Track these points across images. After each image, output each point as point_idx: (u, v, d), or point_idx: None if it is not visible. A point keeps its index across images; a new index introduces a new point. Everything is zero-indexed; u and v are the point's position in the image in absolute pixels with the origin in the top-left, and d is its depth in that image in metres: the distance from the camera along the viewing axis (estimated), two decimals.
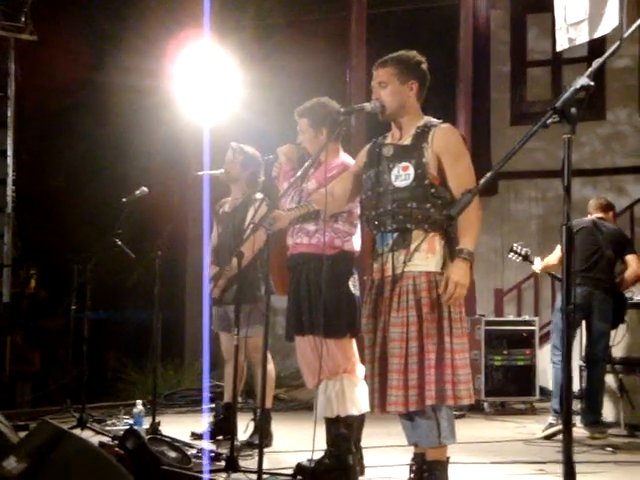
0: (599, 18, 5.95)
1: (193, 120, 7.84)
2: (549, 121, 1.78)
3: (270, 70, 8.79)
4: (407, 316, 3.15)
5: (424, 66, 3.36)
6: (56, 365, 10.92)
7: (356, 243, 3.93)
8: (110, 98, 9.40)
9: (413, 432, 3.24)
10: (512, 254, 5.94)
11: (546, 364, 8.08)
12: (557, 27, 6.19)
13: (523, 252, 5.91)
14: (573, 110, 1.74)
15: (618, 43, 1.89)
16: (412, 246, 3.19)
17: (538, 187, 9.73)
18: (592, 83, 1.75)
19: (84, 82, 9.45)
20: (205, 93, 7.53)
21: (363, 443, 4.04)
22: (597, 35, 5.97)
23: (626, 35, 1.85)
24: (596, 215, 5.84)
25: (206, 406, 6.45)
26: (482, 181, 1.82)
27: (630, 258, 5.72)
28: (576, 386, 5.78)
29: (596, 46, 7.31)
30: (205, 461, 3.93)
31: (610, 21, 5.89)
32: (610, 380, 5.78)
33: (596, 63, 1.85)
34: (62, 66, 8.78)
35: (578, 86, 1.75)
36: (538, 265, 5.85)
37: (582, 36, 6.08)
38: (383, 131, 3.52)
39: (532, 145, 9.50)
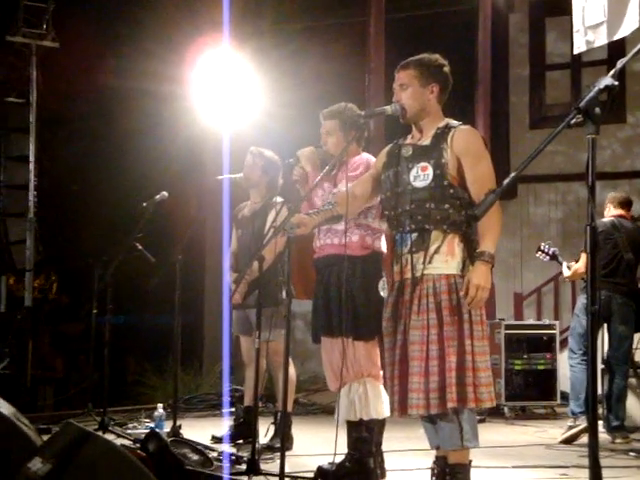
0: (618, 20, 5.93)
1: (211, 125, 7.89)
2: (573, 121, 1.78)
3: (289, 75, 8.81)
4: (427, 319, 3.14)
5: (446, 69, 3.36)
6: (77, 370, 11.00)
7: (384, 242, 3.93)
8: (129, 103, 9.47)
9: (435, 435, 3.23)
10: (540, 253, 5.92)
11: (567, 369, 8.04)
12: (575, 29, 6.18)
13: (551, 252, 5.88)
14: (597, 110, 1.74)
15: None
16: (432, 248, 3.18)
17: (558, 191, 9.69)
18: (616, 83, 1.75)
19: (104, 88, 9.53)
20: (224, 98, 7.57)
21: (384, 447, 4.03)
22: (616, 37, 5.95)
23: None
24: (615, 212, 5.75)
25: (226, 410, 6.47)
26: (506, 181, 1.82)
27: None
28: (598, 390, 5.74)
29: (616, 48, 7.27)
30: (226, 464, 3.94)
31: (630, 23, 5.86)
32: (633, 384, 5.73)
33: (620, 63, 1.85)
34: (82, 72, 8.86)
35: (602, 86, 1.75)
36: (567, 272, 5.81)
37: (601, 38, 6.06)
38: (402, 134, 3.53)
39: (552, 148, 9.46)
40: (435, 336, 3.12)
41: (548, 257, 5.89)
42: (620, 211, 5.74)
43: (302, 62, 9.18)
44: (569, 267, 5.75)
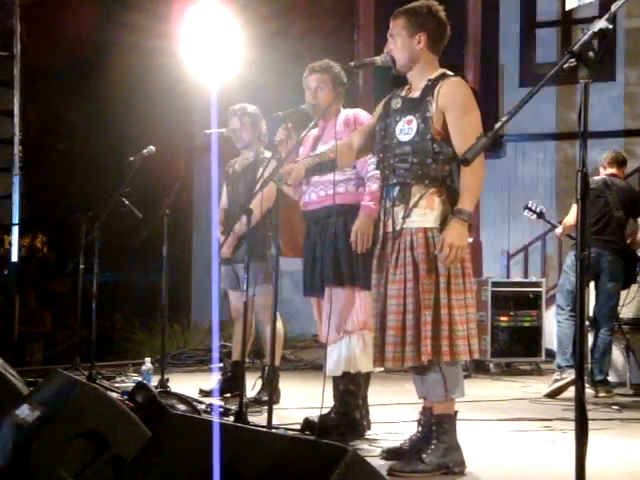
0: None
1: (199, 79, 7.79)
2: (566, 65, 1.76)
3: (276, 31, 8.70)
4: (405, 273, 3.14)
5: (440, 15, 3.26)
6: (65, 326, 11.00)
7: None
8: (116, 58, 9.34)
9: (422, 386, 3.26)
10: (527, 212, 5.94)
11: (553, 326, 8.09)
12: None
13: (538, 210, 5.90)
14: (591, 54, 1.71)
15: None
16: (412, 202, 3.17)
17: (546, 149, 9.67)
18: (610, 26, 1.73)
19: (89, 41, 9.39)
20: (211, 53, 7.47)
21: (370, 400, 4.07)
22: None
23: None
24: (610, 171, 5.77)
25: (214, 365, 6.50)
26: (497, 125, 1.80)
27: None
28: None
29: (607, 6, 7.22)
30: (214, 415, 3.97)
31: None
32: (617, 340, 5.79)
33: (614, 6, 1.82)
34: (67, 25, 8.71)
35: (596, 29, 1.72)
36: (560, 230, 5.83)
37: None
38: (391, 90, 3.49)
39: (540, 107, 9.42)
40: (411, 290, 3.12)
41: (535, 215, 5.91)
42: (613, 170, 5.76)
43: (290, 18, 9.05)
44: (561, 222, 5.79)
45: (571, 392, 4.64)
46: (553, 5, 9.55)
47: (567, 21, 9.41)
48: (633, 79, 9.53)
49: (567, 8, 6.40)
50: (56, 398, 2.35)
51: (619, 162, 5.79)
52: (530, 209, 5.91)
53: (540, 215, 5.88)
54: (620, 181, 5.75)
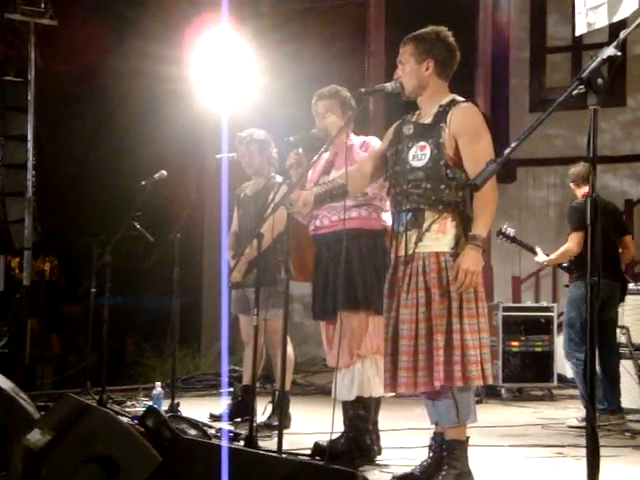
0: (618, 1, 5.90)
1: (210, 106, 7.86)
2: (575, 92, 1.77)
3: (288, 56, 8.77)
4: (417, 297, 3.15)
5: (448, 41, 3.29)
6: (75, 350, 11.02)
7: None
8: (128, 84, 9.43)
9: (434, 411, 3.25)
10: (500, 237, 5.61)
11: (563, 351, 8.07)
12: (577, 11, 6.14)
13: (511, 234, 5.58)
14: (600, 81, 1.73)
15: None
16: (424, 226, 3.18)
17: (557, 174, 9.66)
18: (619, 53, 1.74)
19: (102, 67, 9.49)
20: (223, 79, 7.54)
21: (381, 426, 4.05)
22: (616, 19, 5.91)
23: None
24: (585, 189, 5.41)
25: (224, 390, 6.49)
26: (507, 151, 1.81)
27: (628, 240, 5.53)
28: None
29: (616, 31, 7.25)
30: (224, 440, 3.96)
31: (630, 4, 5.83)
32: (628, 366, 5.75)
33: (623, 34, 1.84)
34: (81, 51, 8.81)
35: (605, 56, 1.74)
36: (542, 257, 5.62)
37: (601, 20, 6.02)
38: (402, 114, 3.51)
39: (551, 132, 9.45)
40: (423, 314, 3.12)
41: (509, 240, 5.69)
42: (586, 187, 5.36)
43: (301, 43, 9.13)
44: (547, 254, 5.59)
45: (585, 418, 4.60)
46: (563, 31, 9.59)
47: (577, 47, 9.44)
48: None
49: (577, 34, 6.41)
50: (67, 423, 2.35)
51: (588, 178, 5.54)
52: (503, 234, 5.65)
53: (514, 239, 5.67)
54: (606, 201, 5.43)
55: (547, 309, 7.12)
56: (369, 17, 8.61)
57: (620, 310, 5.83)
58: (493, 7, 9.13)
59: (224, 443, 2.53)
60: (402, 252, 3.23)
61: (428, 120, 3.28)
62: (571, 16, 6.30)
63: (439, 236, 3.16)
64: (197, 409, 5.38)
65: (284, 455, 3.46)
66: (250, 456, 1.89)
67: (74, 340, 11.28)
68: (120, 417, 4.79)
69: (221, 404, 5.53)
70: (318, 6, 9.86)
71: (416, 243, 3.18)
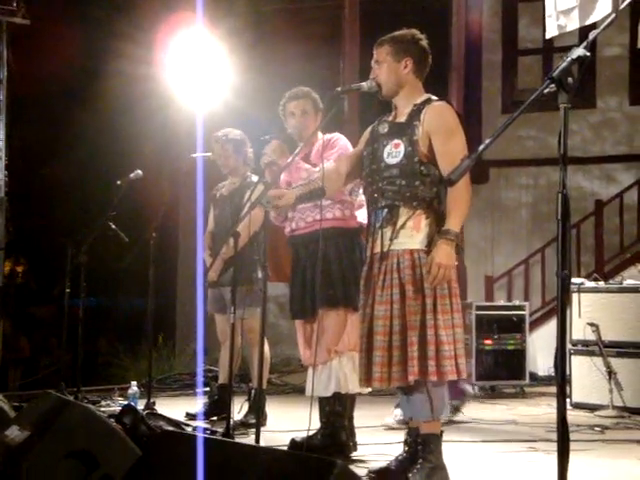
0: (591, 5, 5.98)
1: (185, 106, 7.85)
2: (546, 90, 1.82)
3: (262, 56, 8.80)
4: (391, 294, 3.20)
5: (423, 43, 3.38)
6: (46, 353, 10.94)
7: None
8: (102, 84, 9.40)
9: (408, 406, 3.30)
10: None
11: (536, 350, 8.18)
12: (547, 14, 6.23)
13: None
14: (570, 80, 1.78)
15: (614, 15, 1.93)
16: (398, 223, 3.23)
17: (529, 175, 9.80)
18: (588, 54, 1.80)
19: (76, 68, 9.44)
20: (197, 79, 7.54)
21: (356, 423, 4.09)
22: (588, 22, 6.01)
23: (622, 7, 1.89)
24: None
25: (200, 390, 6.49)
26: (481, 147, 1.86)
27: None
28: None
29: (587, 34, 7.35)
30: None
31: (602, 8, 5.92)
32: (598, 363, 5.85)
33: (592, 35, 1.89)
34: (54, 51, 8.76)
35: (575, 56, 1.79)
36: None
37: (572, 23, 6.11)
38: (376, 114, 3.57)
39: (523, 133, 9.57)
40: (398, 311, 3.17)
41: None
42: None
43: (275, 44, 9.16)
44: None
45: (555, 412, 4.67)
46: (535, 34, 9.72)
47: (548, 49, 9.57)
48: (613, 105, 9.71)
49: (547, 37, 6.51)
50: (46, 418, 2.36)
51: None
52: None
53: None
54: None
55: (519, 307, 7.21)
56: (344, 18, 8.66)
57: (590, 308, 5.96)
58: (465, 10, 9.23)
59: (203, 434, 2.55)
60: (377, 249, 3.28)
61: (403, 119, 3.33)
62: (542, 19, 6.39)
63: (413, 233, 3.21)
64: (173, 408, 5.38)
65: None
66: (230, 446, 1.92)
67: (45, 342, 11.20)
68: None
69: (197, 403, 5.55)
70: (293, 7, 9.89)
71: (391, 240, 3.23)
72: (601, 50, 9.40)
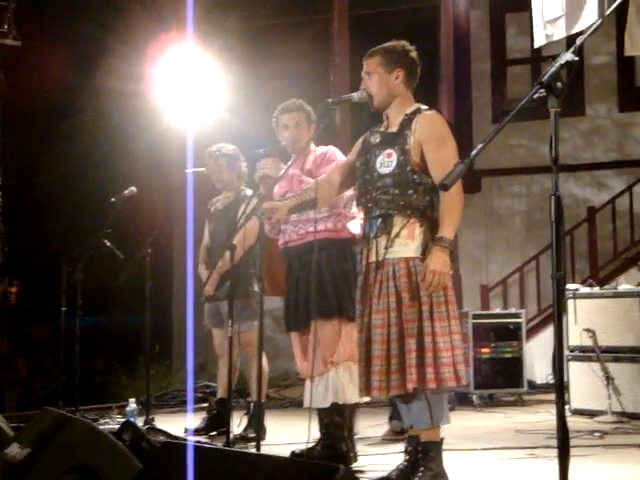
0: (577, 14, 6.05)
1: (176, 122, 7.88)
2: (536, 95, 1.85)
3: (254, 72, 8.84)
4: (388, 302, 3.21)
5: (412, 54, 3.42)
6: (44, 373, 10.88)
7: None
8: (94, 102, 9.43)
9: (408, 414, 3.30)
10: None
11: (534, 358, 8.19)
12: (534, 24, 6.29)
13: None
14: (559, 84, 1.80)
15: (600, 20, 1.96)
16: (393, 232, 3.26)
17: (521, 183, 9.84)
18: (577, 58, 1.82)
19: (68, 86, 9.46)
20: (188, 95, 7.57)
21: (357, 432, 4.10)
22: (575, 31, 6.07)
23: (607, 13, 1.91)
24: None
25: (191, 406, 6.46)
26: (474, 152, 1.88)
27: None
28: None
29: (574, 42, 7.41)
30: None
31: (588, 16, 5.98)
32: (596, 369, 5.86)
33: (579, 40, 1.92)
34: (46, 70, 8.79)
35: (563, 61, 1.82)
36: None
37: (559, 32, 6.17)
38: (368, 126, 3.60)
39: (514, 142, 9.63)
40: (395, 319, 3.19)
41: None
42: None
43: (266, 59, 9.21)
44: None
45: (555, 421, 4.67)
46: (522, 43, 9.79)
47: (537, 58, 9.64)
48: (602, 113, 9.77)
49: (535, 46, 6.58)
50: (46, 435, 2.36)
51: None
52: None
53: None
54: None
55: (516, 315, 7.21)
56: (333, 33, 8.71)
57: (586, 314, 5.98)
58: (454, 21, 9.29)
59: (206, 444, 2.55)
60: (373, 258, 3.30)
61: (394, 129, 3.36)
62: (530, 29, 6.45)
63: (408, 242, 3.23)
64: (172, 425, 5.37)
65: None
66: (232, 455, 1.92)
67: (42, 363, 11.14)
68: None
69: (195, 419, 5.53)
70: (283, 23, 9.96)
71: (386, 249, 3.25)
72: (589, 58, 9.47)
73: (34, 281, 11.10)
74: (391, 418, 4.90)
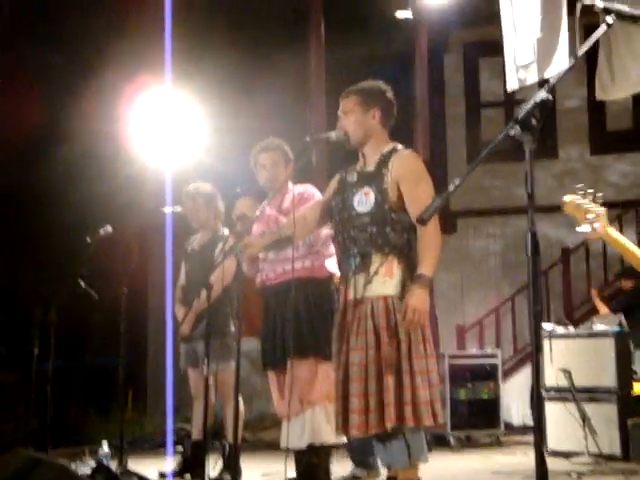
0: (549, 59, 6.18)
1: (153, 162, 7.88)
2: (512, 132, 1.88)
3: (231, 113, 8.89)
4: (366, 340, 3.21)
5: (389, 94, 3.48)
6: (14, 419, 10.65)
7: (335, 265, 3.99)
8: (70, 141, 9.42)
9: (385, 454, 3.27)
10: None
11: (511, 399, 8.19)
12: (507, 68, 6.42)
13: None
14: (534, 122, 1.84)
15: (573, 60, 2.00)
16: (371, 269, 3.26)
17: (496, 224, 9.94)
18: (551, 97, 1.86)
19: (43, 125, 9.45)
20: (165, 136, 7.59)
21: (333, 474, 4.04)
22: (547, 75, 6.20)
23: (580, 53, 1.96)
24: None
25: (171, 448, 6.36)
26: (451, 187, 1.90)
27: None
28: None
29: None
30: None
31: (560, 62, 6.11)
32: (572, 409, 5.86)
33: (553, 79, 1.96)
34: (22, 109, 8.78)
35: (538, 100, 1.85)
36: None
37: (532, 76, 6.29)
38: (345, 164, 3.63)
39: (488, 184, 9.75)
40: (373, 357, 3.18)
41: None
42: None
43: (244, 100, 9.28)
44: None
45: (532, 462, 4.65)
46: (496, 87, 9.97)
47: (510, 102, 9.81)
48: (574, 155, 9.94)
49: (508, 91, 6.70)
50: (19, 477, 2.30)
51: None
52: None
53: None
54: None
55: (492, 356, 7.23)
56: (310, 73, 8.82)
57: (561, 354, 6.00)
58: (429, 65, 9.44)
59: None
60: (351, 296, 3.30)
61: (371, 168, 3.39)
62: (503, 73, 6.57)
63: (386, 279, 3.24)
64: (145, 468, 5.27)
65: None
66: None
67: (10, 409, 10.91)
68: None
69: (169, 462, 5.44)
70: (260, 64, 10.05)
71: (364, 286, 3.25)
72: (561, 103, 9.66)
73: (4, 323, 10.92)
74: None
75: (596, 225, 2.25)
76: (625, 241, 2.52)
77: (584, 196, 2.36)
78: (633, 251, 2.49)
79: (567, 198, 2.41)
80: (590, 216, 2.30)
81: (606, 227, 2.32)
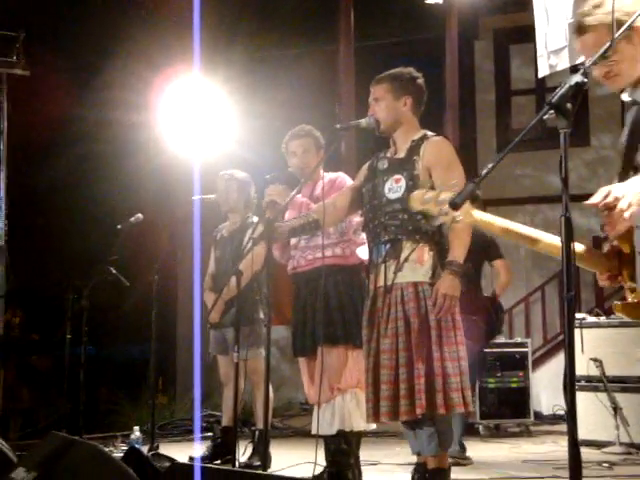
0: None
1: (182, 153, 7.92)
2: (546, 116, 1.86)
3: (259, 103, 8.90)
4: (396, 327, 3.20)
5: (420, 81, 3.46)
6: (47, 403, 10.82)
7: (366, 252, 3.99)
8: (100, 132, 9.49)
9: (415, 441, 3.27)
10: None
11: (540, 388, 8.13)
12: (538, 54, 6.35)
13: None
14: (569, 105, 1.82)
15: (609, 44, 1.97)
16: (402, 256, 3.26)
17: (526, 213, 9.86)
18: (586, 80, 1.84)
19: (74, 116, 9.53)
20: (194, 126, 7.62)
21: (362, 461, 4.05)
22: (579, 61, 6.12)
23: (616, 36, 1.93)
24: None
25: (198, 434, 6.41)
26: (484, 172, 1.89)
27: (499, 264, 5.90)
28: None
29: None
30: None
31: None
32: (603, 399, 5.81)
33: (588, 62, 1.94)
34: (52, 101, 8.86)
35: (573, 83, 1.83)
36: None
37: (563, 62, 6.22)
38: (374, 152, 3.62)
39: (520, 172, 9.66)
40: (403, 344, 3.18)
41: None
42: None
43: (272, 90, 9.28)
44: None
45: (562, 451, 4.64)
46: (527, 74, 9.87)
47: (541, 89, 9.70)
48: (606, 143, 9.81)
49: (539, 76, 6.63)
50: (52, 458, 2.34)
51: None
52: None
53: None
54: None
55: (521, 345, 7.19)
56: (339, 64, 8.79)
57: (592, 343, 5.93)
58: (459, 53, 9.37)
59: (214, 465, 2.53)
60: (381, 282, 3.29)
61: (402, 154, 3.38)
62: (534, 60, 6.50)
63: (417, 266, 3.23)
64: (176, 453, 5.32)
65: None
66: (239, 476, 1.90)
67: (45, 393, 11.08)
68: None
69: (200, 448, 5.48)
70: (289, 53, 10.05)
71: (395, 273, 3.24)
72: (593, 89, 9.52)
73: (38, 311, 11.08)
74: None
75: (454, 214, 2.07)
76: (501, 221, 2.34)
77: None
78: (516, 230, 2.33)
79: (413, 195, 2.27)
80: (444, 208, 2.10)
81: (470, 212, 2.15)
